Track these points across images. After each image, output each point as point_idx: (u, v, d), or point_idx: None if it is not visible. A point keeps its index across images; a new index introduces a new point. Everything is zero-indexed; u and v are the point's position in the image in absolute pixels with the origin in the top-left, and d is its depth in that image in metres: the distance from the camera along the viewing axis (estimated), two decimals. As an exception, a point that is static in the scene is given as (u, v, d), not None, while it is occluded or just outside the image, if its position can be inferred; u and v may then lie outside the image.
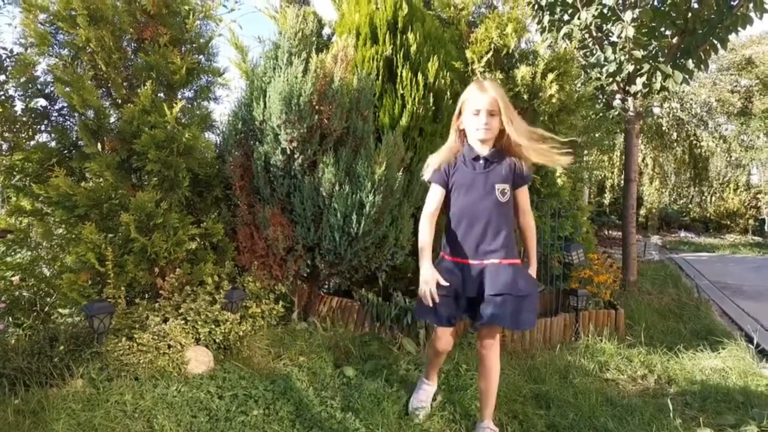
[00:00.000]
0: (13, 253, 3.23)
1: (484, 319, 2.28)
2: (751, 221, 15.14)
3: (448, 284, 2.26)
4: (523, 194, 2.41)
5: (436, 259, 2.41)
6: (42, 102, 3.15)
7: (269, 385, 2.82)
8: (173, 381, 2.74)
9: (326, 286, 4.40)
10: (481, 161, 2.35)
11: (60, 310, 3.23)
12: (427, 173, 2.44)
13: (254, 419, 2.47)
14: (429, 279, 2.24)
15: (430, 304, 2.25)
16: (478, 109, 2.28)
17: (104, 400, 2.48)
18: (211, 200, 3.63)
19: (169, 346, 2.88)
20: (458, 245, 2.34)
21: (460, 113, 2.38)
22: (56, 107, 3.19)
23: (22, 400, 2.45)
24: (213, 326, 3.09)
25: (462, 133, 2.42)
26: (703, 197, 15.52)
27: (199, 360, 2.92)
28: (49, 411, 2.34)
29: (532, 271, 2.42)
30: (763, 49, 13.76)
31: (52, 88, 3.10)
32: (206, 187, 3.58)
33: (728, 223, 15.45)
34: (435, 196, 2.41)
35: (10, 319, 3.10)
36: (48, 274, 3.26)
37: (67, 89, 2.92)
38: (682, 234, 15.00)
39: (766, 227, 14.68)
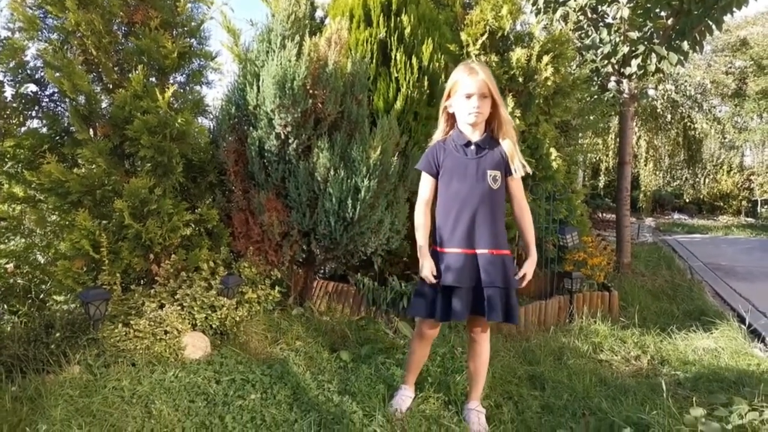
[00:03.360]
0: (6, 241, 3.21)
1: (478, 311, 2.26)
2: (744, 203, 15.25)
3: (438, 278, 2.25)
4: (516, 182, 2.36)
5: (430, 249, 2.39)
6: (32, 87, 3.10)
7: (266, 369, 2.83)
8: (170, 366, 2.74)
9: (322, 271, 4.41)
10: (473, 147, 2.30)
11: (55, 297, 3.22)
12: (419, 161, 2.43)
13: (252, 403, 2.49)
14: (428, 273, 2.25)
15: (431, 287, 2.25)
16: (470, 93, 2.23)
17: (102, 386, 2.49)
18: (205, 186, 3.61)
19: (166, 332, 2.88)
20: (448, 233, 2.29)
21: (448, 96, 2.33)
22: (47, 93, 3.15)
23: (19, 387, 2.45)
24: (209, 312, 3.09)
25: (451, 117, 2.38)
26: (697, 179, 15.59)
27: (195, 345, 2.93)
28: (46, 397, 2.35)
29: (532, 261, 2.36)
30: (757, 30, 13.74)
31: (42, 74, 3.05)
32: (200, 172, 3.56)
33: (721, 204, 15.57)
34: (425, 184, 2.39)
35: (6, 306, 3.10)
36: (42, 261, 3.25)
37: (58, 74, 2.88)
38: (676, 216, 15.10)
39: (758, 209, 14.77)
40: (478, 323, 2.38)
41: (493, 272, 2.23)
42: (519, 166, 2.30)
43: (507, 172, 2.32)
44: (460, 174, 2.29)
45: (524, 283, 2.34)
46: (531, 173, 2.34)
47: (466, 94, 2.25)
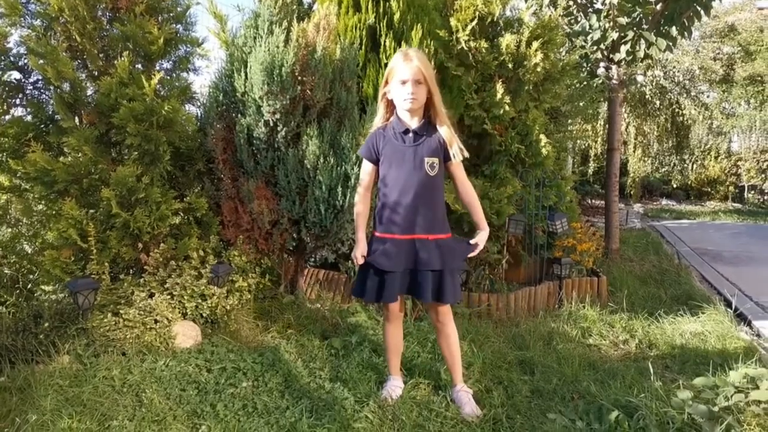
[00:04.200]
0: (-8, 231, 3.18)
1: (427, 298, 2.33)
2: (731, 188, 15.38)
3: (373, 260, 2.33)
4: (457, 165, 2.40)
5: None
6: (16, 75, 3.05)
7: (258, 357, 2.84)
8: (161, 355, 2.74)
9: (313, 259, 4.40)
10: (411, 134, 2.35)
11: (43, 287, 3.20)
12: (360, 148, 2.49)
13: (243, 391, 2.49)
14: (358, 255, 2.36)
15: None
16: (405, 79, 2.27)
17: (92, 376, 2.48)
18: (193, 174, 3.58)
19: (156, 321, 2.87)
20: (387, 219, 2.35)
21: (386, 82, 2.38)
22: (31, 80, 3.10)
23: (8, 377, 2.43)
24: (199, 301, 3.09)
25: (390, 104, 2.42)
26: (685, 165, 15.69)
27: (186, 334, 2.93)
28: (36, 387, 2.34)
29: (484, 235, 2.42)
30: (745, 16, 13.78)
31: (25, 61, 3.00)
32: (188, 160, 3.53)
33: (709, 190, 15.69)
34: (366, 171, 2.46)
35: (-7, 296, 3.07)
36: (29, 251, 3.22)
37: (41, 61, 2.83)
38: (664, 202, 15.22)
39: (745, 194, 14.92)
40: (437, 307, 2.43)
41: (426, 256, 2.30)
42: (457, 151, 2.35)
43: (446, 158, 2.37)
44: (399, 161, 2.35)
45: (476, 251, 2.41)
46: (468, 157, 2.41)
47: (401, 80, 2.28)
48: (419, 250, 2.31)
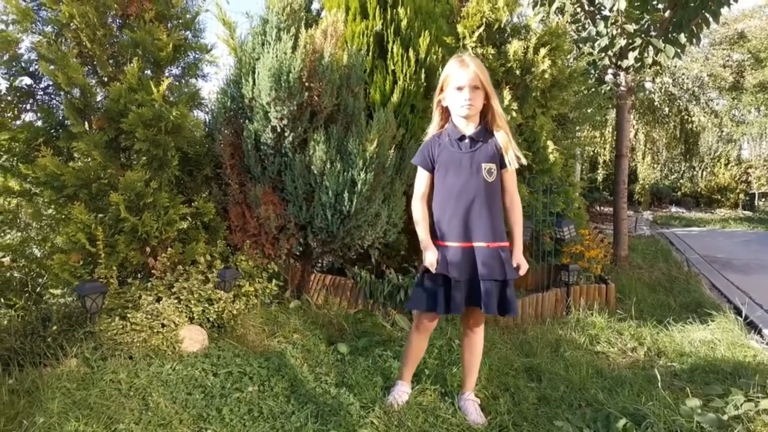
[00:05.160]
0: (2, 234, 3.20)
1: (474, 304, 2.27)
2: (741, 196, 15.27)
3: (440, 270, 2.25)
4: (510, 174, 2.36)
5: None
6: (27, 80, 3.09)
7: (264, 362, 2.84)
8: (168, 359, 2.75)
9: (319, 264, 4.41)
10: (467, 140, 2.30)
11: (52, 290, 3.22)
12: (415, 156, 2.44)
13: (249, 396, 2.49)
14: (432, 260, 2.26)
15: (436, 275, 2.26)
16: (461, 85, 2.24)
17: (99, 379, 2.49)
18: (201, 179, 3.60)
19: (163, 325, 2.88)
20: (445, 227, 2.30)
21: (441, 89, 2.34)
22: (41, 86, 3.13)
23: (16, 380, 2.45)
24: (206, 305, 3.09)
25: (445, 111, 2.39)
26: (694, 172, 15.61)
27: (193, 338, 2.93)
28: (43, 390, 2.35)
29: (518, 254, 2.37)
30: (755, 23, 13.72)
31: (36, 66, 3.04)
32: (196, 166, 3.55)
33: (719, 197, 15.58)
34: (421, 179, 2.41)
35: (2, 300, 3.09)
36: (39, 255, 3.24)
37: (52, 67, 2.86)
38: (673, 209, 15.12)
39: (756, 202, 14.81)
40: (474, 316, 2.39)
41: (490, 265, 2.23)
42: (513, 158, 2.30)
43: (502, 164, 2.32)
44: (455, 168, 2.30)
45: (522, 272, 2.34)
46: (526, 164, 2.34)
47: (457, 86, 2.25)
48: (479, 259, 2.24)
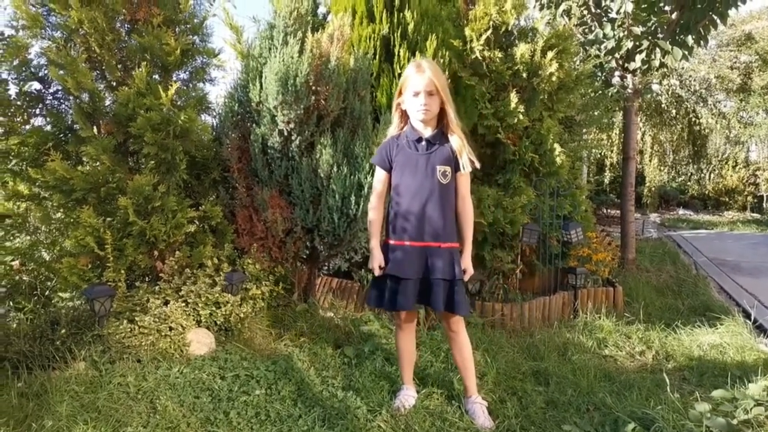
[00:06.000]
0: (12, 238, 3.22)
1: (440, 308, 2.33)
2: (749, 198, 15.18)
3: (386, 269, 2.36)
4: (464, 177, 2.41)
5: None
6: (36, 85, 3.11)
7: (271, 365, 2.84)
8: (175, 362, 2.76)
9: (326, 268, 4.41)
10: (424, 143, 2.37)
11: (60, 294, 3.23)
12: (374, 156, 2.51)
13: (256, 399, 2.50)
14: (376, 266, 2.38)
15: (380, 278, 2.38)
16: (417, 91, 2.30)
17: (107, 382, 2.50)
18: (209, 183, 3.61)
19: (171, 329, 2.89)
20: (400, 226, 2.37)
21: (400, 93, 2.41)
22: (51, 90, 3.15)
23: (25, 383, 2.46)
24: (214, 308, 3.10)
25: (404, 113, 2.45)
26: (702, 174, 15.53)
27: (200, 342, 2.94)
28: (52, 393, 2.36)
29: (466, 257, 2.41)
30: (762, 25, 13.64)
31: (45, 71, 3.06)
32: (204, 169, 3.57)
33: (727, 200, 15.49)
34: (378, 178, 2.48)
35: (11, 303, 3.11)
36: (47, 259, 3.25)
37: (61, 72, 2.89)
38: (681, 211, 15.05)
39: (764, 204, 14.70)
40: (450, 317, 2.43)
41: (439, 264, 2.31)
42: (467, 162, 2.36)
43: (456, 167, 2.37)
44: (411, 169, 2.37)
45: (467, 276, 2.40)
46: (479, 168, 2.42)
47: (414, 91, 2.32)
48: (430, 258, 2.32)
